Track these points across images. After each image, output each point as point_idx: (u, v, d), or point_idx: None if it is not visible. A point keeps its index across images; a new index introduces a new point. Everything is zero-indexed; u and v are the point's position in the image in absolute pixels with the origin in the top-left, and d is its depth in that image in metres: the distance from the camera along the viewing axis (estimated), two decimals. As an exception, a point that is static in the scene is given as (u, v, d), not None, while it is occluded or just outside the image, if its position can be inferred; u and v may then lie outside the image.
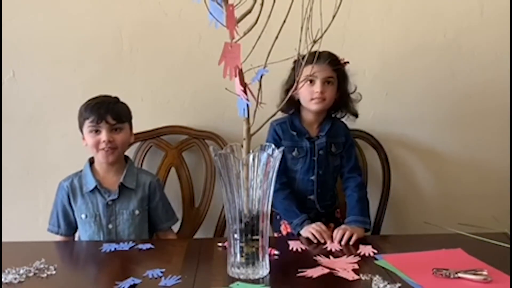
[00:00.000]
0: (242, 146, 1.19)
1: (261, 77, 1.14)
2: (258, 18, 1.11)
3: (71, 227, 1.63)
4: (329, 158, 1.65)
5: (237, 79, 1.12)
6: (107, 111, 1.53)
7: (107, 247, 1.40)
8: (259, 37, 1.10)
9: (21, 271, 1.21)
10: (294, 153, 1.64)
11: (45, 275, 1.20)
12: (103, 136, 1.53)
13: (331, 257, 1.31)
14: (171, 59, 1.90)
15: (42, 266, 1.25)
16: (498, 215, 1.38)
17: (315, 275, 1.18)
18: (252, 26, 1.11)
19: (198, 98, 1.92)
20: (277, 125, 1.66)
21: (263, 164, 1.15)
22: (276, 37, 1.14)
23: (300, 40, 1.14)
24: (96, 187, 1.57)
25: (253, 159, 1.15)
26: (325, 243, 1.44)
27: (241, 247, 1.17)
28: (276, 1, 1.12)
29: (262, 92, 1.17)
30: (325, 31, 1.12)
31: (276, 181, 1.60)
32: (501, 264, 1.19)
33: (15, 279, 1.17)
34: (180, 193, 1.92)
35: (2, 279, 1.17)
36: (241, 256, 1.17)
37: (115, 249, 1.39)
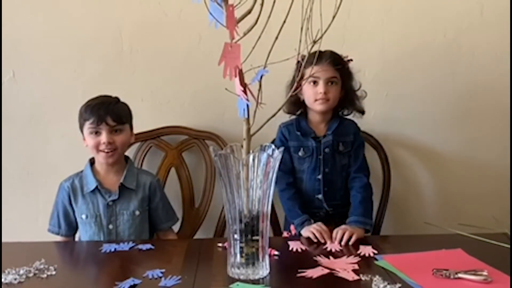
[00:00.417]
0: (242, 146, 1.19)
1: (261, 77, 1.15)
2: (258, 18, 1.11)
3: (72, 228, 1.63)
4: (336, 157, 1.65)
5: (237, 80, 1.12)
6: (107, 113, 1.53)
7: (107, 248, 1.40)
8: (259, 37, 1.10)
9: (21, 272, 1.21)
10: (300, 153, 1.64)
11: (45, 275, 1.20)
12: (103, 137, 1.53)
13: (331, 257, 1.31)
14: (171, 59, 1.90)
15: (42, 266, 1.25)
16: (498, 216, 1.38)
17: (315, 276, 1.18)
18: (252, 27, 1.11)
19: (198, 98, 1.92)
20: (284, 127, 1.69)
21: (263, 165, 1.15)
22: (276, 38, 1.14)
23: (300, 41, 1.14)
24: (96, 187, 1.57)
25: (253, 160, 1.15)
26: (325, 243, 1.44)
27: (241, 247, 1.17)
28: (276, 1, 1.12)
29: (262, 93, 1.17)
30: (325, 31, 1.13)
31: (283, 181, 1.62)
32: (501, 265, 1.19)
33: (15, 279, 1.17)
34: (180, 194, 1.92)
35: (2, 280, 1.17)
36: (241, 256, 1.17)
37: (115, 249, 1.39)
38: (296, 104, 1.68)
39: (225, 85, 1.15)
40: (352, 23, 1.87)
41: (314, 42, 1.14)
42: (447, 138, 1.98)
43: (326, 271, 1.21)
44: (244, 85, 1.14)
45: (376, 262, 1.28)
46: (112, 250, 1.39)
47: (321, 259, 1.29)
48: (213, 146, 1.38)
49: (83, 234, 1.60)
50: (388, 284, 1.12)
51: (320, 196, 1.64)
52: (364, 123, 1.73)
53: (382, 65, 1.93)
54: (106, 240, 1.55)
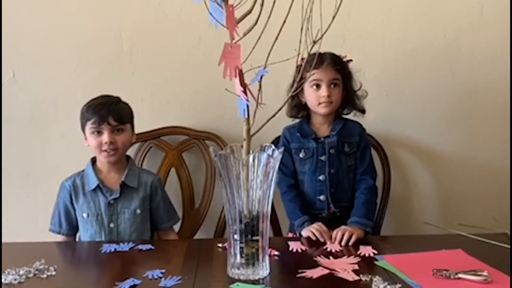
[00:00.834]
0: (242, 146, 1.19)
1: (261, 77, 1.15)
2: (258, 18, 1.11)
3: (73, 227, 1.63)
4: (341, 158, 1.64)
5: (237, 80, 1.12)
6: (108, 113, 1.53)
7: (107, 248, 1.40)
8: (259, 37, 1.10)
9: (21, 272, 1.21)
10: (301, 155, 1.64)
11: (45, 275, 1.20)
12: (105, 137, 1.53)
13: (331, 257, 1.31)
14: (171, 59, 1.90)
15: (42, 266, 1.25)
16: (498, 216, 1.38)
17: (315, 276, 1.18)
18: (252, 27, 1.11)
19: (198, 98, 1.92)
20: (286, 130, 1.70)
21: (263, 165, 1.15)
22: (276, 38, 1.14)
23: (300, 41, 1.14)
24: (98, 186, 1.58)
25: (253, 160, 1.15)
26: (325, 243, 1.44)
27: (241, 247, 1.17)
28: (276, 1, 1.12)
29: (262, 93, 1.17)
30: (325, 31, 1.13)
31: (284, 184, 1.63)
32: (501, 265, 1.19)
33: (15, 279, 1.17)
34: (180, 194, 1.92)
35: (2, 280, 1.17)
36: (241, 256, 1.17)
37: (115, 249, 1.39)
38: (299, 108, 1.68)
39: (225, 85, 1.15)
40: (352, 23, 1.87)
41: (314, 42, 1.14)
42: (447, 138, 1.98)
43: (326, 271, 1.21)
44: (244, 85, 1.14)
45: (376, 262, 1.28)
46: (112, 250, 1.39)
47: (321, 260, 1.29)
48: (213, 147, 1.38)
49: (84, 233, 1.60)
50: (388, 284, 1.12)
51: (322, 197, 1.63)
52: (364, 123, 1.73)
53: (382, 65, 1.93)
54: (106, 240, 1.55)
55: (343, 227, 1.49)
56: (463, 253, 1.31)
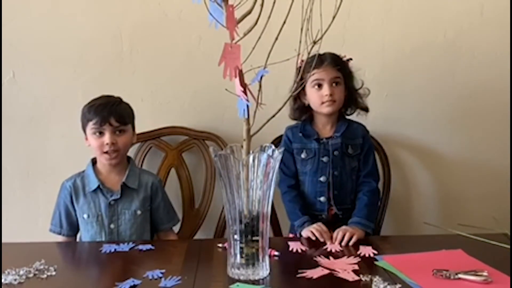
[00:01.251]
0: (242, 147, 1.19)
1: (261, 78, 1.15)
2: (258, 19, 1.11)
3: (74, 227, 1.63)
4: (345, 159, 1.63)
5: (237, 80, 1.12)
6: (110, 113, 1.53)
7: (107, 248, 1.40)
8: (259, 38, 1.10)
9: (21, 272, 1.21)
10: (303, 155, 1.64)
11: (45, 276, 1.20)
12: (106, 138, 1.53)
13: (331, 258, 1.31)
14: (171, 59, 1.90)
15: (42, 267, 1.25)
16: (498, 216, 1.37)
17: (315, 276, 1.18)
18: (252, 27, 1.11)
19: (198, 98, 1.92)
20: (289, 130, 1.69)
21: (263, 165, 1.15)
22: (276, 38, 1.14)
23: (300, 41, 1.14)
24: (98, 187, 1.58)
25: (253, 160, 1.15)
26: (325, 243, 1.44)
27: (241, 248, 1.17)
28: (276, 2, 1.12)
29: (262, 93, 1.17)
30: (325, 32, 1.13)
31: (285, 184, 1.63)
32: (501, 265, 1.19)
33: (15, 280, 1.17)
34: (180, 194, 1.92)
35: (2, 280, 1.17)
36: (241, 257, 1.17)
37: (115, 250, 1.39)
38: (301, 110, 1.67)
39: (225, 85, 1.15)
40: (352, 23, 1.88)
41: (314, 42, 1.14)
42: (447, 138, 1.98)
43: (326, 271, 1.21)
44: (244, 85, 1.14)
45: (376, 262, 1.28)
46: (112, 250, 1.39)
47: (321, 260, 1.29)
48: (213, 147, 1.38)
49: (85, 233, 1.60)
50: (388, 284, 1.12)
51: (322, 199, 1.62)
52: (364, 123, 1.73)
53: (382, 65, 1.93)
54: (106, 241, 1.55)
55: (343, 227, 1.49)
56: (463, 253, 1.31)
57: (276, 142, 1.79)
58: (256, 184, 1.16)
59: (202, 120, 1.92)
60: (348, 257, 1.32)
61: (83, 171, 1.62)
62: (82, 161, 1.64)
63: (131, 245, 1.42)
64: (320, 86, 1.59)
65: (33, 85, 1.89)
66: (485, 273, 1.14)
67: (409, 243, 1.47)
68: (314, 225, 1.51)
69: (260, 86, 1.16)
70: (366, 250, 1.36)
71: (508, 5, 1.88)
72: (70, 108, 1.83)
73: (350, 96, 1.66)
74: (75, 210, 1.60)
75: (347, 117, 1.70)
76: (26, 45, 1.87)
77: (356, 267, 1.24)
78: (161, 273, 1.20)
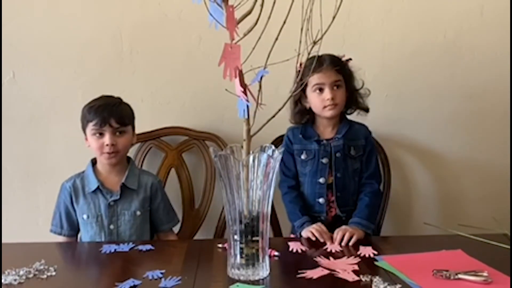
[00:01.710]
0: (242, 147, 1.19)
1: (261, 78, 1.15)
2: (258, 19, 1.11)
3: (74, 228, 1.63)
4: (347, 161, 1.62)
5: (237, 80, 1.12)
6: (110, 114, 1.53)
7: (107, 248, 1.40)
8: (259, 38, 1.10)
9: (21, 272, 1.21)
10: (303, 156, 1.64)
11: (45, 276, 1.20)
12: (107, 139, 1.53)
13: (331, 258, 1.31)
14: (171, 60, 1.90)
15: (42, 267, 1.25)
16: (498, 216, 1.37)
17: (315, 276, 1.18)
18: (252, 27, 1.11)
19: (198, 99, 1.92)
20: (290, 131, 1.69)
21: (263, 165, 1.15)
22: (276, 38, 1.14)
23: (300, 41, 1.14)
24: (98, 187, 1.58)
25: (253, 160, 1.15)
26: (325, 243, 1.44)
27: (241, 248, 1.17)
28: (276, 2, 1.12)
29: (262, 93, 1.17)
30: (325, 32, 1.13)
31: (285, 185, 1.63)
32: (501, 265, 1.19)
33: (15, 280, 1.17)
34: (180, 194, 1.92)
35: (2, 280, 1.17)
36: (241, 257, 1.17)
37: (115, 250, 1.39)
38: (302, 113, 1.67)
39: (225, 85, 1.15)
40: (352, 23, 1.88)
41: (314, 42, 1.14)
42: (447, 139, 1.98)
43: (326, 272, 1.21)
44: (244, 85, 1.14)
45: (376, 263, 1.28)
46: (112, 251, 1.39)
47: (321, 260, 1.29)
48: (213, 147, 1.38)
49: (84, 234, 1.61)
50: (388, 285, 1.12)
51: (321, 200, 1.62)
52: (364, 123, 1.73)
53: (382, 66, 1.93)
54: (106, 241, 1.55)
55: (343, 227, 1.49)
56: (463, 254, 1.31)
57: (276, 142, 1.79)
58: (256, 184, 1.16)
59: (202, 120, 1.92)
60: (348, 257, 1.32)
61: (83, 172, 1.63)
62: (82, 162, 1.64)
63: (131, 245, 1.42)
64: (321, 90, 1.58)
65: (33, 85, 1.89)
66: (485, 274, 1.14)
67: (409, 243, 1.47)
68: (314, 225, 1.51)
69: (260, 86, 1.16)
70: (366, 251, 1.36)
71: (508, 5, 1.88)
72: (70, 108, 1.83)
73: (351, 97, 1.66)
74: (75, 211, 1.60)
75: (349, 117, 1.70)
76: (26, 45, 1.87)
77: (356, 267, 1.24)
78: (161, 273, 1.20)
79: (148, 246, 1.41)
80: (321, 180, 1.62)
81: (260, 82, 1.15)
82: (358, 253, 1.35)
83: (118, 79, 1.89)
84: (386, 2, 1.90)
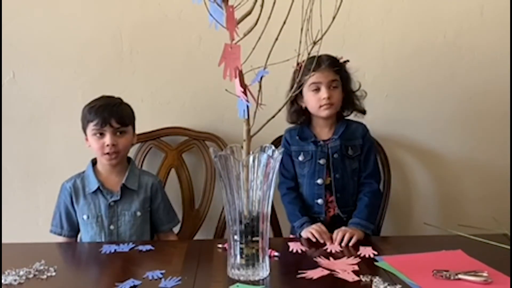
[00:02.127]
0: (242, 147, 1.19)
1: (261, 78, 1.15)
2: (258, 19, 1.11)
3: (74, 228, 1.63)
4: (345, 161, 1.62)
5: (237, 80, 1.12)
6: (111, 115, 1.53)
7: (107, 248, 1.40)
8: (259, 38, 1.10)
9: (21, 273, 1.21)
10: (300, 158, 1.64)
11: (45, 276, 1.20)
12: (107, 139, 1.53)
13: (331, 258, 1.31)
14: (171, 60, 1.90)
15: (42, 267, 1.25)
16: (498, 216, 1.37)
17: (315, 277, 1.18)
18: (252, 28, 1.11)
19: (198, 99, 1.92)
20: (287, 132, 1.69)
21: (263, 166, 1.15)
22: (276, 39, 1.14)
23: (300, 42, 1.14)
24: (98, 188, 1.58)
25: (253, 161, 1.15)
26: (324, 244, 1.44)
27: (241, 248, 1.17)
28: (276, 2, 1.12)
29: (262, 93, 1.17)
30: (325, 32, 1.12)
31: (284, 187, 1.63)
32: (501, 266, 1.19)
33: (15, 280, 1.17)
34: (180, 195, 1.92)
35: (2, 281, 1.17)
36: (241, 257, 1.17)
37: (115, 250, 1.39)
38: (298, 113, 1.66)
39: (225, 86, 1.15)
40: (352, 24, 1.88)
41: (314, 43, 1.14)
42: (447, 139, 1.98)
43: (326, 272, 1.21)
44: (244, 86, 1.14)
45: (376, 263, 1.28)
46: (112, 251, 1.39)
47: (321, 260, 1.29)
48: (213, 147, 1.38)
49: (85, 234, 1.60)
50: (388, 285, 1.12)
51: (320, 201, 1.62)
52: (364, 123, 1.73)
53: (382, 66, 1.93)
54: (106, 241, 1.55)
55: (343, 228, 1.49)
56: (463, 254, 1.31)
57: (276, 142, 1.79)
58: (256, 184, 1.16)
59: (202, 121, 1.92)
60: (348, 257, 1.32)
61: (83, 172, 1.63)
62: (82, 162, 1.64)
63: (131, 245, 1.42)
64: (317, 89, 1.58)
65: (33, 85, 1.89)
66: (485, 274, 1.14)
67: (409, 243, 1.47)
68: (314, 226, 1.51)
69: (260, 86, 1.16)
70: (366, 251, 1.36)
71: (508, 5, 1.88)
72: (70, 108, 1.83)
73: (348, 98, 1.65)
74: (75, 211, 1.60)
75: (348, 117, 1.70)
76: (26, 45, 1.87)
77: (356, 267, 1.24)
78: (161, 273, 1.20)
79: (148, 246, 1.41)
80: (319, 181, 1.61)
81: (260, 82, 1.15)
82: (358, 253, 1.35)
83: (118, 79, 1.89)
84: (386, 2, 1.90)
